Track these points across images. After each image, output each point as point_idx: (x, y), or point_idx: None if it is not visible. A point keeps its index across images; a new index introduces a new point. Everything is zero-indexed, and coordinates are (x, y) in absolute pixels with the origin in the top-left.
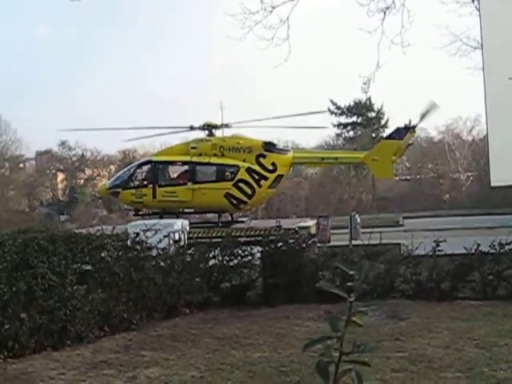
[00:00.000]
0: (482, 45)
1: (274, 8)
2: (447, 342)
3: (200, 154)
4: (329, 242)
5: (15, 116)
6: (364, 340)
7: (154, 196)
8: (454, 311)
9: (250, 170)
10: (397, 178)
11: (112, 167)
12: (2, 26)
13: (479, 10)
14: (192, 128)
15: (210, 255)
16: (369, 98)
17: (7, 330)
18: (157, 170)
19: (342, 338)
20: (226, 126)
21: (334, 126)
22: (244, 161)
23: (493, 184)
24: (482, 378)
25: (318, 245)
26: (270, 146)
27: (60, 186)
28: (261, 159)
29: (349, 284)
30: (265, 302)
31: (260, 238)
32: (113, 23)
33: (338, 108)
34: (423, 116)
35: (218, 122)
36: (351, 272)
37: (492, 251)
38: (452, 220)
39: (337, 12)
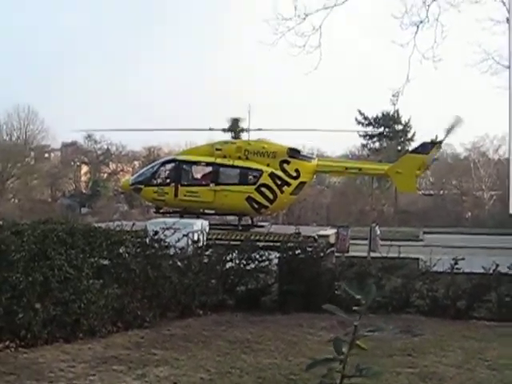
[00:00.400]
0: (509, 65)
1: (307, 15)
2: (459, 362)
3: (224, 156)
4: (347, 252)
5: (44, 106)
6: (376, 354)
7: (176, 195)
8: (468, 330)
9: (273, 175)
10: (420, 193)
11: (136, 163)
12: (34, 13)
13: (509, 30)
14: (211, 129)
15: (228, 258)
16: (397, 111)
17: (21, 319)
18: (180, 168)
19: (344, 361)
20: (249, 130)
21: (360, 136)
22: (268, 165)
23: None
24: None
25: (337, 254)
26: (294, 153)
27: (83, 178)
28: (285, 165)
29: (355, 308)
30: (279, 308)
31: (278, 244)
32: (156, 21)
33: (366, 118)
34: (448, 131)
35: (244, 124)
36: (358, 296)
37: (510, 272)
38: (472, 238)
39: (370, 23)
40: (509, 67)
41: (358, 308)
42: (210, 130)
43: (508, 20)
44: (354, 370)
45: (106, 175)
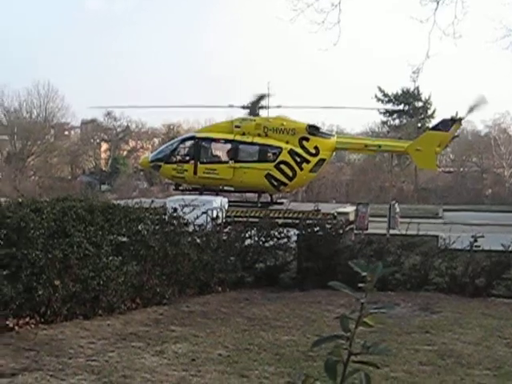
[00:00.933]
0: None
1: None
2: (478, 339)
3: (243, 133)
4: (366, 229)
5: (64, 82)
6: (394, 331)
7: (195, 172)
8: (486, 308)
9: (292, 152)
10: (440, 170)
11: (156, 140)
12: None
13: None
14: (231, 106)
15: (247, 235)
16: (417, 88)
17: (40, 296)
18: (199, 146)
19: (351, 339)
20: (268, 107)
21: (380, 113)
22: (287, 143)
23: None
24: (509, 378)
25: (356, 231)
26: (313, 130)
27: (103, 155)
28: (304, 142)
29: (360, 285)
30: (298, 285)
31: (297, 221)
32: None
33: (386, 95)
34: (471, 109)
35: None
36: (364, 273)
37: None
38: (492, 216)
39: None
40: None
41: (364, 285)
42: (230, 106)
43: None
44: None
45: (125, 152)
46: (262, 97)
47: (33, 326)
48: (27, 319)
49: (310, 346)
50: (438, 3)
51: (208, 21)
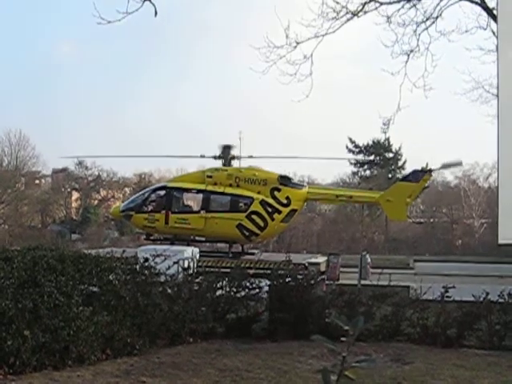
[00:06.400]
0: (497, 94)
1: (298, 44)
2: None
3: (215, 183)
4: (338, 279)
5: (35, 132)
6: (366, 383)
7: (167, 222)
8: (458, 359)
9: (263, 203)
10: (410, 221)
11: (127, 190)
12: (31, 41)
13: (498, 59)
14: (203, 156)
15: (218, 285)
16: (387, 139)
17: (9, 347)
18: (171, 196)
19: None
20: (240, 157)
21: (351, 163)
22: (259, 193)
23: (500, 242)
24: None
25: (327, 282)
26: (285, 180)
27: (74, 204)
28: (275, 192)
29: (342, 339)
30: (269, 336)
31: (269, 272)
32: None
33: (356, 146)
34: (445, 167)
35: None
36: (346, 327)
37: (501, 301)
38: (463, 266)
39: (361, 52)
40: (497, 96)
41: (346, 339)
42: (202, 157)
43: (497, 49)
44: None
45: (96, 202)
46: (227, 147)
47: (1, 376)
48: None
49: None
50: (408, 56)
51: (184, 71)
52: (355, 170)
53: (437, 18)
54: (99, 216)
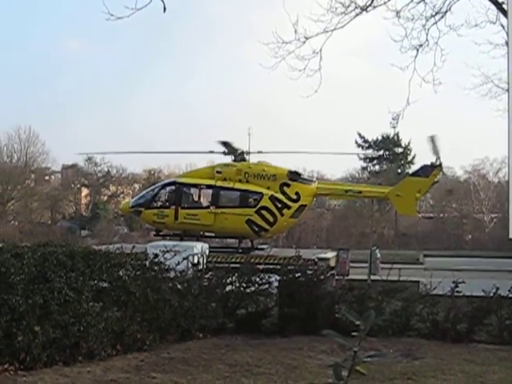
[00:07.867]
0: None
1: (307, 39)
2: None
3: (225, 179)
4: (347, 275)
5: (45, 128)
6: (377, 378)
7: (176, 217)
8: (468, 354)
9: (273, 198)
10: (420, 216)
11: (136, 186)
12: (40, 38)
13: (508, 53)
14: (212, 152)
15: (228, 281)
16: (397, 134)
17: (20, 342)
18: (180, 191)
19: None
20: (251, 152)
21: (361, 159)
22: (268, 188)
23: (511, 236)
24: None
25: (337, 277)
26: (294, 175)
27: (83, 200)
28: (285, 188)
29: (354, 334)
30: (279, 331)
31: (279, 267)
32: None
33: (366, 141)
34: (434, 151)
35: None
36: (357, 322)
37: (511, 295)
38: (473, 261)
39: (370, 46)
40: (507, 90)
41: (357, 334)
42: (211, 152)
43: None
44: None
45: (106, 198)
46: (225, 144)
47: (12, 372)
48: (6, 366)
49: None
50: (417, 51)
51: (191, 68)
52: (364, 165)
53: (446, 12)
54: (109, 212)
